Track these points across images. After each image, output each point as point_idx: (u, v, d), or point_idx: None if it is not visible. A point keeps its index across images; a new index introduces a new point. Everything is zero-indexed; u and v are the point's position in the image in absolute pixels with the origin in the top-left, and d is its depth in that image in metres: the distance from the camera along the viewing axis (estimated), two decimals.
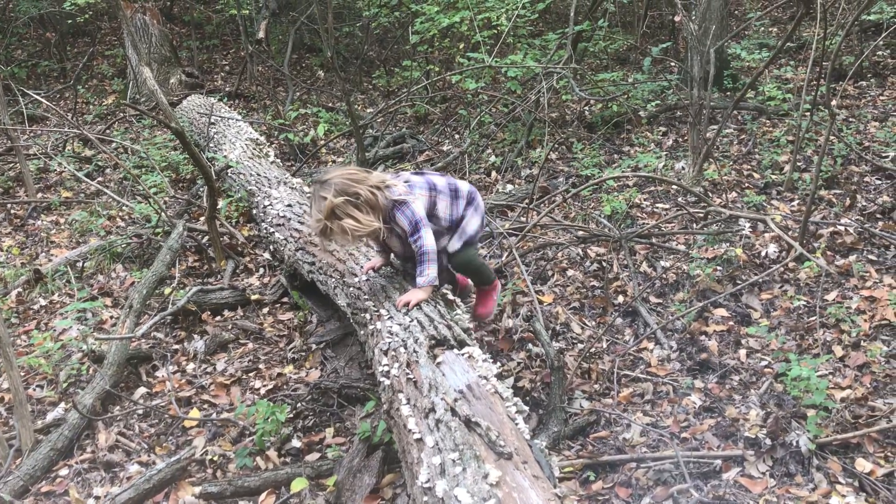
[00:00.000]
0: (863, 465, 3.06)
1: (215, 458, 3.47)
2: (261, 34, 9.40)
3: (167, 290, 4.84)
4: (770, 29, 10.05)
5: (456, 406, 2.46)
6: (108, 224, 6.03)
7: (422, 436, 2.44)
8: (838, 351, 3.79)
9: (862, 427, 3.24)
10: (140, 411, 3.84)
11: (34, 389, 4.03)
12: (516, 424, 2.49)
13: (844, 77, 7.39)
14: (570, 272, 4.86)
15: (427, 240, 3.26)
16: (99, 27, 12.06)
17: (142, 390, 4.03)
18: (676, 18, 7.00)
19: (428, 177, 3.47)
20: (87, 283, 5.11)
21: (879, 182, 5.57)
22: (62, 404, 3.86)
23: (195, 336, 4.49)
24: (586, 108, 7.77)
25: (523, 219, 5.33)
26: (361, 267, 3.72)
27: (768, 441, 3.20)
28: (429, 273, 3.27)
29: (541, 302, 4.46)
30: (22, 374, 4.07)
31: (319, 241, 3.38)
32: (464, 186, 3.53)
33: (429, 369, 2.74)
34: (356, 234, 3.16)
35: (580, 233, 5.03)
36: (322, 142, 7.45)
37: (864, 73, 8.04)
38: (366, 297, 3.48)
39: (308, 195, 5.35)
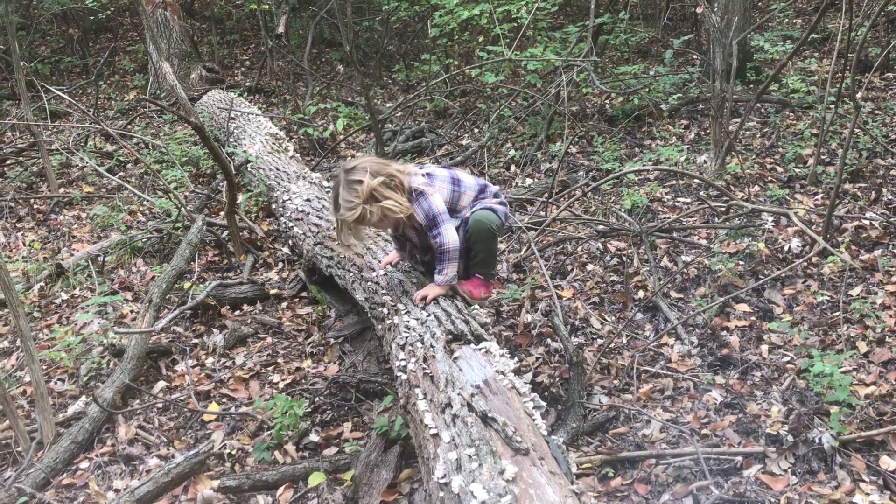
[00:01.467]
0: (887, 462, 3.00)
1: (233, 452, 3.48)
2: (280, 29, 9.41)
3: (187, 285, 4.86)
4: (794, 20, 9.91)
5: (472, 401, 2.44)
6: (129, 219, 6.08)
7: (438, 431, 2.42)
8: (862, 347, 3.73)
9: (887, 424, 3.18)
10: (159, 405, 3.86)
11: (55, 383, 4.06)
12: (533, 420, 2.47)
13: (870, 69, 7.26)
14: (589, 266, 4.82)
15: (447, 237, 3.17)
16: (121, 23, 12.15)
17: (161, 384, 4.05)
18: (698, 10, 6.91)
19: (453, 172, 3.38)
20: (107, 278, 5.14)
21: None
22: (83, 398, 3.89)
23: (214, 330, 4.51)
24: (607, 101, 7.71)
25: (542, 213, 5.30)
26: (379, 261, 3.71)
27: (790, 438, 3.16)
28: (448, 272, 3.21)
29: (560, 297, 4.43)
30: (43, 367, 4.11)
31: (342, 233, 3.25)
32: (492, 187, 3.47)
33: (445, 364, 2.73)
34: (395, 216, 3.09)
35: (600, 227, 4.99)
36: (341, 136, 7.45)
37: (891, 65, 7.91)
38: (383, 291, 3.47)
39: (328, 188, 5.35)
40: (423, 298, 3.20)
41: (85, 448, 3.53)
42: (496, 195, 3.44)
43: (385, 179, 3.06)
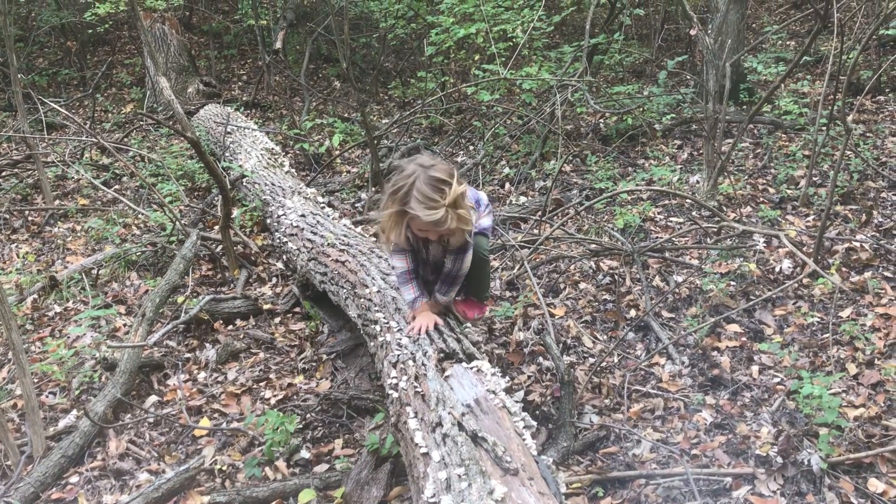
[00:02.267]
0: (875, 485, 3.02)
1: (224, 468, 3.48)
2: (278, 44, 9.47)
3: (180, 299, 4.87)
4: (787, 42, 10.01)
5: (463, 420, 2.45)
6: (124, 232, 6.09)
7: (428, 450, 2.43)
8: (852, 369, 3.75)
9: (875, 447, 3.20)
10: (151, 419, 3.85)
11: (47, 396, 4.05)
12: (524, 440, 2.48)
13: (862, 91, 7.34)
14: (582, 285, 4.84)
15: (467, 263, 3.20)
16: (119, 36, 12.19)
17: (153, 398, 4.05)
18: (692, 32, 6.98)
19: (472, 190, 3.31)
20: (101, 291, 5.14)
21: None
22: (74, 411, 3.88)
23: (207, 345, 4.51)
24: (601, 120, 7.76)
25: (536, 231, 5.32)
26: (373, 278, 3.72)
27: (779, 459, 3.17)
28: (451, 294, 3.25)
29: (552, 315, 4.45)
30: (35, 380, 4.10)
31: (391, 230, 2.98)
32: (483, 197, 3.47)
33: (437, 383, 2.74)
34: (465, 228, 2.97)
35: (593, 246, 5.02)
36: (337, 152, 7.48)
37: (882, 88, 7.99)
38: (376, 308, 3.48)
39: (322, 204, 5.37)
40: (419, 328, 3.15)
41: (75, 462, 3.52)
42: (487, 205, 3.47)
43: (466, 189, 2.94)
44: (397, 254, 3.22)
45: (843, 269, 4.62)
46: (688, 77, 8.26)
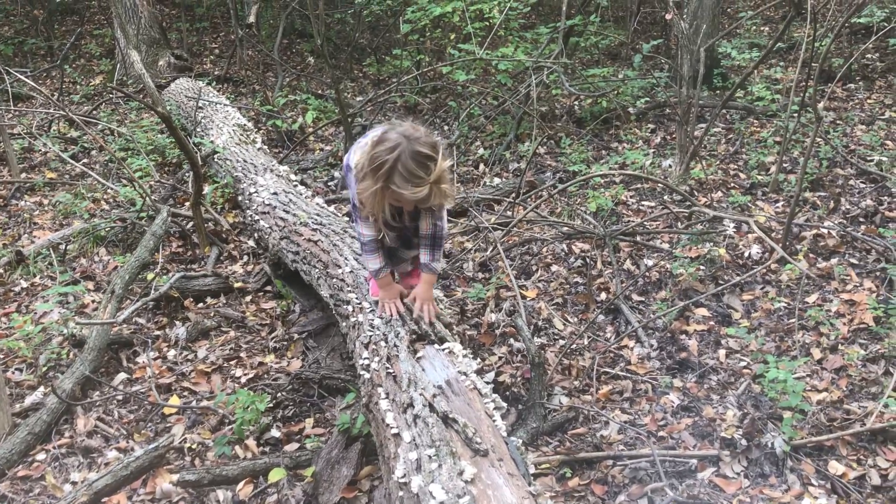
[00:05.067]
0: (836, 467, 3.09)
1: (194, 446, 3.47)
2: (251, 19, 9.34)
3: (150, 276, 4.82)
4: (761, 28, 10.07)
5: (434, 402, 2.47)
6: (93, 207, 6.00)
7: (399, 431, 2.45)
8: (816, 353, 3.83)
9: (836, 430, 3.27)
10: (119, 397, 3.83)
11: (13, 373, 4.00)
12: (494, 421, 2.50)
13: (833, 79, 7.42)
14: (554, 268, 4.87)
15: (445, 221, 3.11)
16: (88, 6, 11.95)
17: (122, 376, 4.01)
18: (668, 16, 7.00)
19: None
20: (69, 267, 5.08)
21: (863, 186, 5.61)
22: (41, 388, 3.84)
23: (177, 323, 4.48)
24: (576, 102, 7.78)
25: (509, 213, 5.34)
26: (346, 259, 3.71)
27: (744, 442, 3.23)
28: (441, 260, 3.16)
29: (524, 297, 4.47)
30: (1, 356, 4.06)
31: (375, 202, 2.78)
32: None
33: (409, 364, 2.75)
34: (446, 201, 2.87)
35: (565, 229, 5.04)
36: (310, 129, 7.42)
37: (853, 76, 8.09)
38: (349, 288, 3.48)
39: (295, 182, 5.34)
40: (423, 306, 3.10)
41: (42, 439, 3.49)
42: None
43: (450, 164, 2.81)
44: (366, 221, 3.06)
45: (811, 255, 4.69)
46: (662, 61, 8.30)
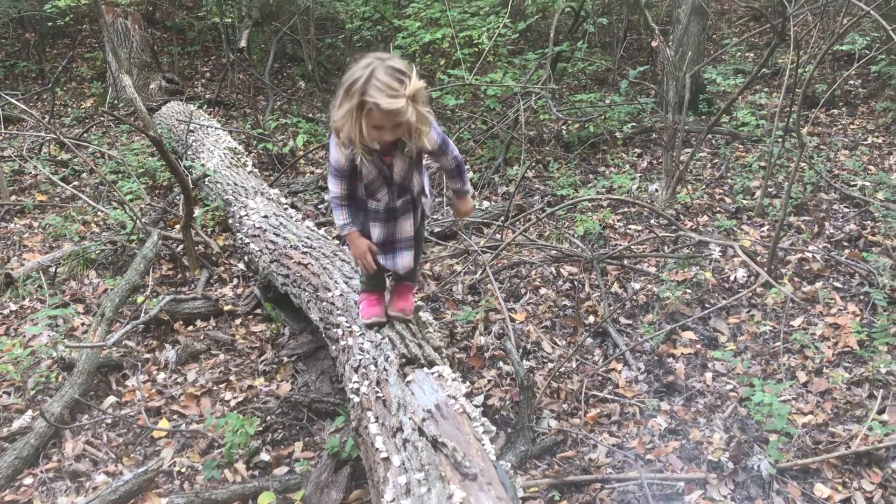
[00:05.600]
0: (821, 490, 3.12)
1: (183, 470, 3.47)
2: (243, 43, 9.40)
3: (140, 299, 4.83)
4: (746, 54, 10.22)
5: (423, 426, 2.49)
6: (83, 229, 6.00)
7: (389, 455, 2.46)
8: (802, 377, 3.87)
9: (822, 453, 3.31)
10: (108, 420, 3.82)
11: (1, 396, 3.99)
12: (482, 445, 2.52)
13: (817, 105, 7.54)
14: (542, 290, 4.91)
15: (456, 150, 3.04)
16: (79, 30, 11.99)
17: (111, 399, 4.01)
18: (654, 43, 7.11)
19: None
20: (58, 289, 5.08)
21: (847, 210, 5.69)
22: (29, 412, 3.83)
23: (167, 346, 4.49)
24: (563, 127, 7.86)
25: (498, 236, 5.38)
26: (336, 282, 3.74)
27: (731, 465, 3.26)
28: (470, 186, 3.19)
29: (513, 320, 4.50)
30: None
31: (355, 126, 2.66)
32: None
33: (398, 388, 2.77)
34: (424, 129, 2.76)
35: (553, 252, 5.09)
36: (301, 152, 7.46)
37: (836, 102, 8.21)
38: (338, 312, 3.50)
39: (286, 205, 5.37)
40: (363, 260, 3.09)
41: (30, 463, 3.48)
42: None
43: (424, 86, 2.71)
44: (334, 177, 2.99)
45: (795, 279, 4.75)
46: (649, 87, 8.40)
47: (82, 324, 4.66)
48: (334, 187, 3.02)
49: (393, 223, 3.09)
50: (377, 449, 2.53)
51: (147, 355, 4.42)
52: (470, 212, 3.22)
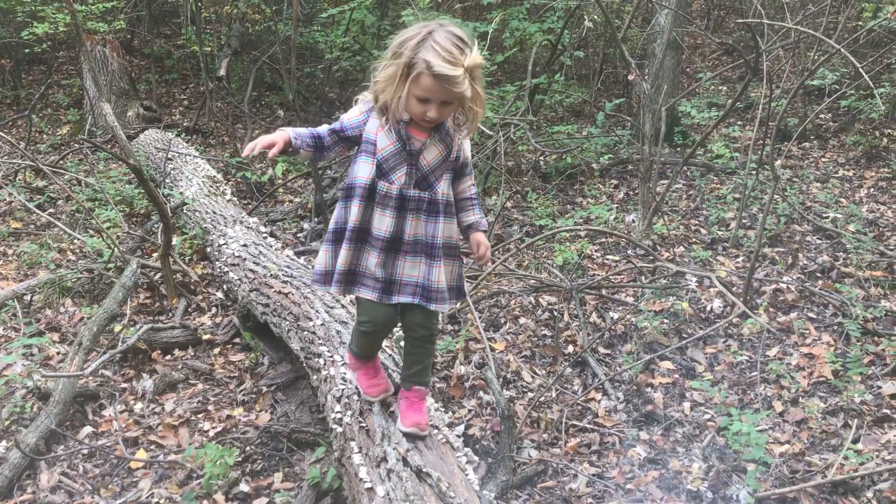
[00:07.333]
0: None
1: (161, 501, 3.43)
2: (222, 72, 9.43)
3: (117, 328, 4.79)
4: (720, 88, 10.42)
5: (408, 456, 2.49)
6: (59, 257, 5.95)
7: (373, 485, 2.46)
8: (778, 406, 3.92)
9: (799, 482, 3.35)
10: (85, 451, 3.77)
11: None
12: (466, 475, 2.53)
13: (790, 138, 7.70)
14: (522, 320, 4.94)
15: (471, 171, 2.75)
16: (56, 56, 11.96)
17: (87, 429, 3.96)
18: (630, 76, 7.23)
19: None
20: (34, 318, 5.02)
21: (820, 241, 5.80)
22: (3, 442, 3.78)
23: (144, 375, 4.44)
24: (541, 158, 7.95)
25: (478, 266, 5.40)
26: (317, 311, 3.74)
27: (710, 494, 3.29)
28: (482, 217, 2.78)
29: (493, 349, 4.52)
30: None
31: (396, 90, 2.37)
32: None
33: (382, 418, 2.78)
34: (476, 113, 2.51)
35: (533, 282, 5.13)
36: (280, 181, 7.47)
37: (808, 135, 8.38)
38: (320, 341, 3.50)
39: (265, 234, 5.36)
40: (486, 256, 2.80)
41: (3, 496, 3.42)
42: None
43: (485, 64, 2.41)
44: (330, 126, 2.64)
45: (771, 309, 4.82)
46: (625, 119, 8.53)
47: (58, 353, 4.61)
48: (324, 126, 2.63)
49: (404, 215, 2.60)
50: (361, 479, 2.53)
51: (124, 385, 4.37)
52: (489, 253, 2.80)
